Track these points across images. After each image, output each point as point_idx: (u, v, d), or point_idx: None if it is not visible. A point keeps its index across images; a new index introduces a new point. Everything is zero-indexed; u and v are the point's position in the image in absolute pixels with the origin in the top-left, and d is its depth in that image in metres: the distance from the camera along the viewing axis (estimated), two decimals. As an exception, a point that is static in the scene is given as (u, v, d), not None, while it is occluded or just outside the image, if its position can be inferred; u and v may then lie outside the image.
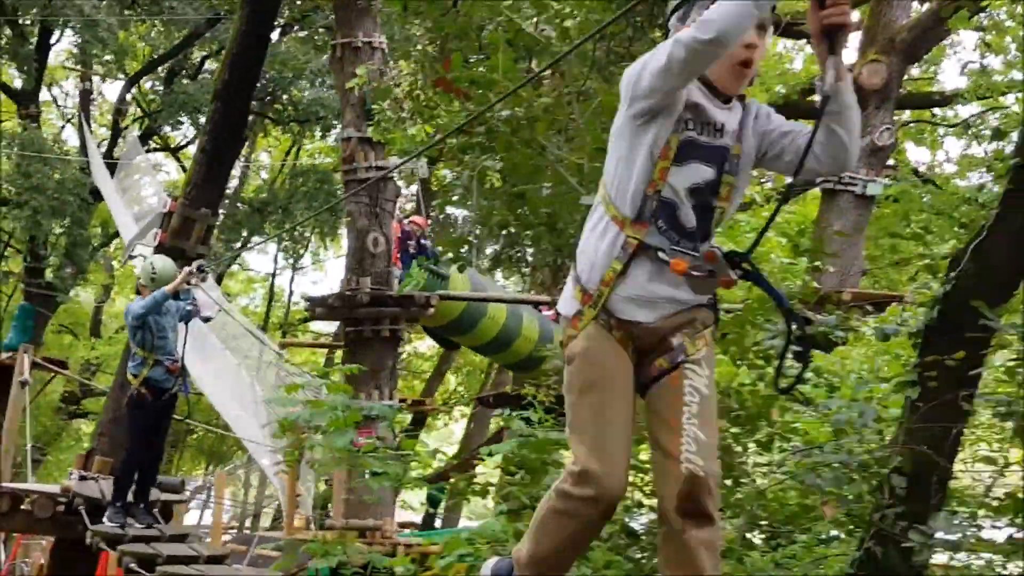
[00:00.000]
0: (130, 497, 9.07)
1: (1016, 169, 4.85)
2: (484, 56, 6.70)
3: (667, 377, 3.72)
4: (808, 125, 3.75)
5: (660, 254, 3.62)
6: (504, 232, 6.89)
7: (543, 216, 6.19)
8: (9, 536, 18.96)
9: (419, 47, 9.64)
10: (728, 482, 5.95)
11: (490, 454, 7.48)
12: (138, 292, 9.40)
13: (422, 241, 16.28)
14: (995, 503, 4.67)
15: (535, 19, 6.48)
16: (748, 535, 5.43)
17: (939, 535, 4.24)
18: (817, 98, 3.59)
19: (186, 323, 9.48)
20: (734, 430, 5.60)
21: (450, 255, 6.57)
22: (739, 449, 5.78)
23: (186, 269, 8.97)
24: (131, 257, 13.74)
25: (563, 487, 3.61)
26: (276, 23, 24.04)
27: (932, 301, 4.92)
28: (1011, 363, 4.67)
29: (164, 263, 9.09)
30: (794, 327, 3.80)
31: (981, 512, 4.91)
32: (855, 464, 4.82)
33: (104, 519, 8.75)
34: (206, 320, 10.44)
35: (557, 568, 3.79)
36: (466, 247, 6.50)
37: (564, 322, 3.84)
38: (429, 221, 17.28)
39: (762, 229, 3.77)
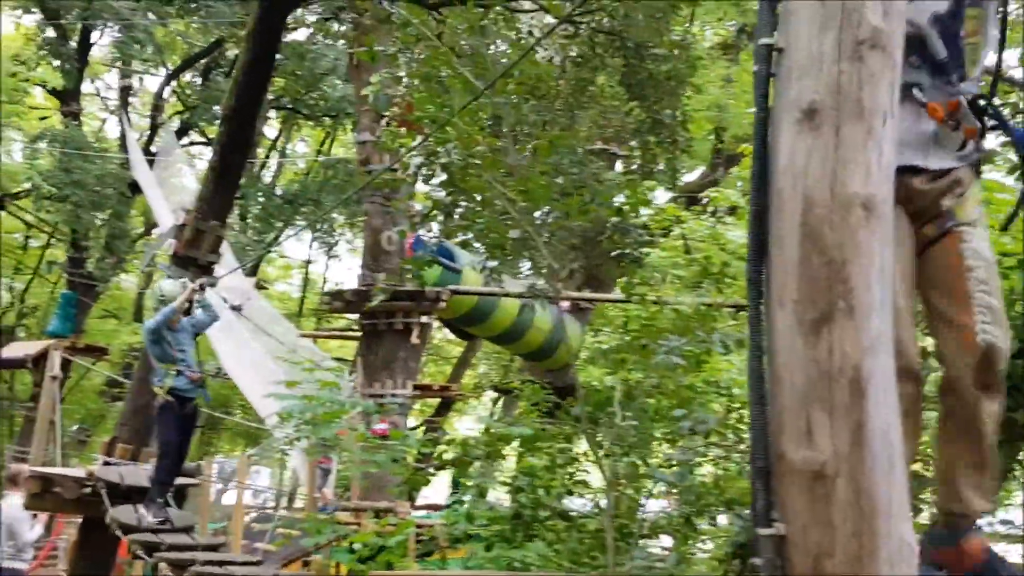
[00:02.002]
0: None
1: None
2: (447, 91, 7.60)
3: (941, 242, 3.51)
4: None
5: (916, 92, 3.44)
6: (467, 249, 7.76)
7: (493, 239, 7.07)
8: (52, 516, 20.04)
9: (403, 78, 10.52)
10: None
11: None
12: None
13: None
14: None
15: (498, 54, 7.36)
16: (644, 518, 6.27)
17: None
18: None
19: (195, 335, 10.09)
20: (648, 427, 6.46)
21: (417, 270, 7.43)
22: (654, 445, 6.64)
23: (189, 288, 9.71)
24: (150, 265, 14.66)
25: None
26: (308, 21, 25.03)
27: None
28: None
29: (170, 286, 9.78)
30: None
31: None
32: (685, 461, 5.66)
33: (145, 513, 9.48)
34: (237, 309, 11.25)
35: None
36: (429, 267, 7.37)
37: None
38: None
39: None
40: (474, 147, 6.72)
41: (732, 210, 17.27)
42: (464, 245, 7.44)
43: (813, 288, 2.26)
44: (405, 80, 7.77)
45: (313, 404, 8.73)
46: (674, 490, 5.77)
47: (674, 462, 5.80)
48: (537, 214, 6.81)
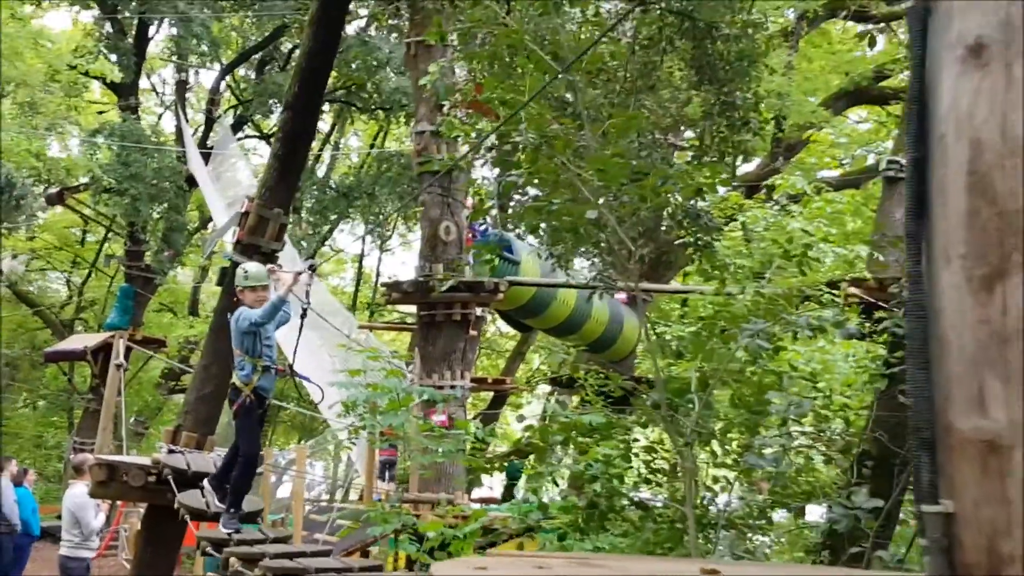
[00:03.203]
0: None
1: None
2: (519, 75, 7.43)
3: None
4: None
5: None
6: (538, 234, 7.58)
7: (566, 223, 6.89)
8: (113, 505, 20.22)
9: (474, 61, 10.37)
10: (730, 461, 6.64)
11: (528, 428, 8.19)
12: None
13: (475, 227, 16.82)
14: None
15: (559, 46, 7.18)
16: (730, 509, 6.08)
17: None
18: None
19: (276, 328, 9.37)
20: (736, 415, 6.25)
21: (482, 259, 7.27)
22: (733, 434, 6.43)
23: (296, 271, 8.99)
24: (213, 252, 14.62)
25: None
26: (362, 14, 25.08)
27: (900, 300, 5.52)
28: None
29: (256, 267, 9.11)
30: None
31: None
32: (824, 445, 5.46)
33: (219, 525, 8.83)
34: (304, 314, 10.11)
35: None
36: (498, 254, 7.21)
37: None
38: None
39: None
40: (547, 128, 6.55)
41: (795, 198, 17.06)
42: (533, 229, 7.25)
43: (983, 241, 2.06)
44: (473, 63, 7.61)
45: (379, 392, 8.60)
46: (768, 478, 5.56)
47: (758, 449, 5.58)
48: (610, 197, 6.61)
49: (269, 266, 9.24)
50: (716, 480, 6.89)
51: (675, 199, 7.82)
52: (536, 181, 6.91)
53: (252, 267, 9.14)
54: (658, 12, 8.74)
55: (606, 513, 6.74)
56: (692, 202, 8.46)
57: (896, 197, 16.86)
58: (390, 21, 22.93)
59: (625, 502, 6.66)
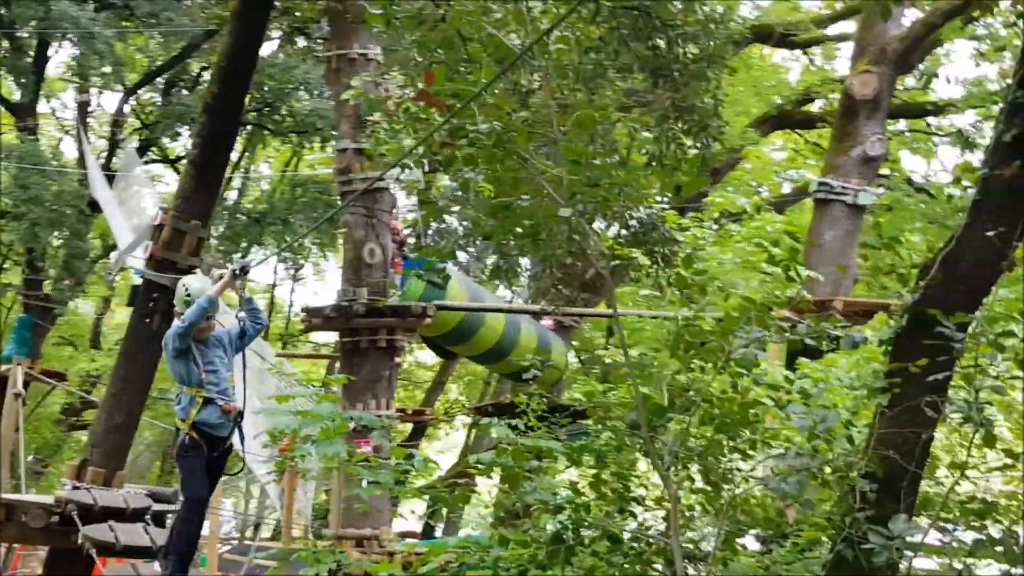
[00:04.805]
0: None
1: (984, 179, 4.96)
2: (467, 70, 6.82)
3: None
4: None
5: None
6: (488, 243, 6.95)
7: (526, 227, 6.28)
8: (10, 549, 19.05)
9: (410, 58, 9.74)
10: (708, 488, 6.07)
11: (479, 463, 7.56)
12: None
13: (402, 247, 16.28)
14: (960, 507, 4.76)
15: (517, 33, 6.58)
16: (719, 539, 5.50)
17: (906, 538, 4.31)
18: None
19: (241, 349, 8.25)
20: (709, 436, 5.69)
21: (431, 267, 6.62)
22: (723, 456, 5.86)
23: (227, 269, 8.00)
24: (122, 269, 13.71)
25: None
26: (273, 36, 24.29)
27: (902, 309, 5.02)
28: (966, 369, 4.76)
29: (200, 282, 8.10)
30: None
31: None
32: (818, 469, 4.92)
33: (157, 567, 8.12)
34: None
35: None
36: (449, 259, 6.58)
37: None
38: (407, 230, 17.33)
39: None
40: (505, 119, 5.94)
41: (735, 217, 16.72)
42: (489, 235, 6.61)
43: None
44: (422, 51, 6.97)
45: (310, 420, 7.85)
46: (794, 504, 4.97)
47: (780, 471, 4.99)
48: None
49: (240, 261, 8.25)
50: (691, 508, 6.33)
51: (639, 210, 7.29)
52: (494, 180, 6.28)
53: (193, 282, 8.10)
54: (610, 8, 8.21)
55: (573, 547, 6.12)
56: (649, 213, 7.95)
57: (827, 219, 16.68)
58: (300, 43, 22.20)
59: (594, 533, 6.04)
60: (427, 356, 33.35)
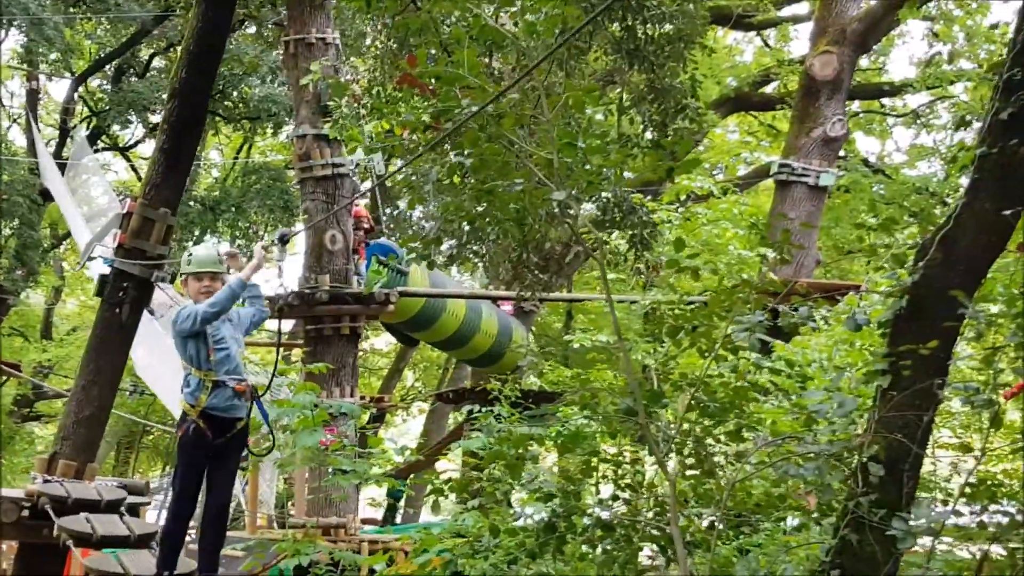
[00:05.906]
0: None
1: (980, 158, 4.92)
2: (446, 52, 6.69)
3: None
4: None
5: None
6: (469, 227, 6.83)
7: (511, 212, 6.17)
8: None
9: (378, 43, 9.55)
10: (697, 473, 6.01)
11: (465, 450, 7.47)
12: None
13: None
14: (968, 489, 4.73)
15: (497, 14, 6.47)
16: (718, 525, 5.45)
17: (918, 522, 4.26)
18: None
19: (248, 333, 7.77)
20: (705, 422, 5.63)
21: (414, 254, 6.48)
22: (710, 441, 5.80)
23: (262, 244, 7.49)
24: (90, 259, 13.40)
25: None
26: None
27: (901, 290, 4.97)
28: (986, 351, 4.73)
29: (205, 250, 7.55)
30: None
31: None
32: (826, 453, 4.86)
33: None
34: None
35: None
36: (433, 245, 6.46)
37: None
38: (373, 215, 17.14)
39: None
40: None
41: (701, 199, 16.73)
42: (472, 220, 6.49)
43: None
44: (403, 32, 6.83)
45: (291, 409, 7.72)
46: (813, 489, 4.91)
47: (796, 458, 4.92)
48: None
49: (227, 250, 7.87)
50: (683, 493, 6.26)
51: (616, 192, 7.20)
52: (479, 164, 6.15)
53: (199, 249, 7.60)
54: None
55: (565, 535, 6.04)
56: (627, 196, 7.86)
57: (789, 200, 16.72)
58: (268, 22, 21.84)
59: (587, 521, 5.96)
60: (383, 343, 33.18)
